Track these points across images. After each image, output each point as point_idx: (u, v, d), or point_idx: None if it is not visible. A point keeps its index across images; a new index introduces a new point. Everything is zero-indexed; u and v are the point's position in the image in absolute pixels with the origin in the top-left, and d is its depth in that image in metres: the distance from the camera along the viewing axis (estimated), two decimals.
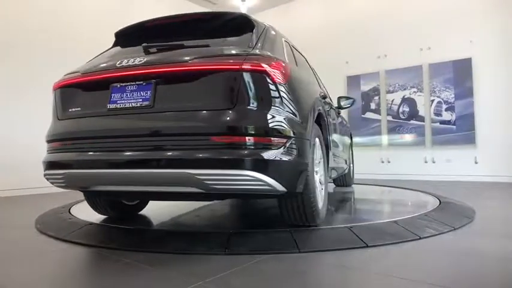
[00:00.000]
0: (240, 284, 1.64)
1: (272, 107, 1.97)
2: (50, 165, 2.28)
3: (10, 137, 5.14)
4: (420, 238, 2.27)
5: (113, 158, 2.04)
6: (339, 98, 4.13)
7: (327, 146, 2.74)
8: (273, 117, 1.96)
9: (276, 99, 1.99)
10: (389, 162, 7.07)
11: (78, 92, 2.30)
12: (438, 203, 3.32)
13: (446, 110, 6.55)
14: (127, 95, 2.11)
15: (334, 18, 8.00)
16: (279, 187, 1.95)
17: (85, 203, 3.69)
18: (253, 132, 1.89)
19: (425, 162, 6.74)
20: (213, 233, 2.33)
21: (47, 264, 2.05)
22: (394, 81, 7.10)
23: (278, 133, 1.94)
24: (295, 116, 2.09)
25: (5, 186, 4.96)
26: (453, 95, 6.47)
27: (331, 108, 3.39)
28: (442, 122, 6.57)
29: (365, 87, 7.43)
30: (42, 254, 2.27)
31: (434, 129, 6.63)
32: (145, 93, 2.06)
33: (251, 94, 1.95)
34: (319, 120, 2.57)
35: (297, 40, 8.13)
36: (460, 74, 6.41)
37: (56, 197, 3.17)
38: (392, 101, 7.10)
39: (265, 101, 1.97)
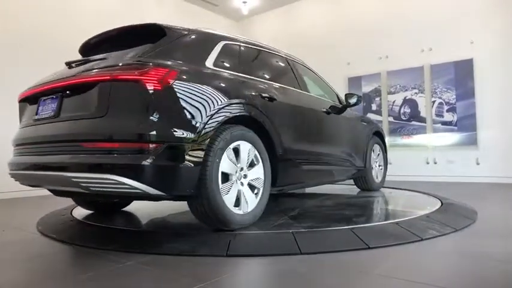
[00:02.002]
0: (241, 286, 1.64)
1: (142, 114, 2.04)
2: (9, 166, 2.68)
3: (11, 139, 5.15)
4: (422, 239, 2.27)
5: (32, 161, 2.42)
6: (347, 95, 4.04)
7: (272, 150, 2.69)
8: (142, 123, 2.03)
9: (148, 106, 2.05)
10: (390, 163, 7.05)
11: (26, 104, 2.71)
12: (440, 204, 3.32)
13: (447, 111, 6.54)
14: (46, 107, 2.44)
15: (335, 19, 8.00)
16: (151, 190, 2.02)
17: None
18: (118, 139, 2.01)
19: (427, 163, 6.73)
20: (215, 235, 2.33)
21: (48, 266, 2.05)
22: (396, 82, 7.09)
23: (145, 139, 2.00)
24: (177, 121, 2.11)
25: (6, 188, 4.97)
26: (454, 96, 6.46)
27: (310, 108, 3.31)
28: (444, 123, 6.56)
29: (366, 88, 7.43)
30: (43, 255, 2.28)
31: (436, 130, 6.62)
32: (54, 105, 2.37)
33: (121, 102, 2.07)
34: (253, 124, 2.59)
35: (298, 41, 8.20)
36: (461, 75, 6.40)
37: (57, 199, 3.18)
38: (394, 102, 7.10)
39: (135, 109, 2.06)
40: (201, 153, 2.17)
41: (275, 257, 2.01)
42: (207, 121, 2.22)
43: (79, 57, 2.82)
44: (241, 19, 9.30)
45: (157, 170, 2.02)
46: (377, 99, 7.32)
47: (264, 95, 2.76)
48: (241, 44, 3.00)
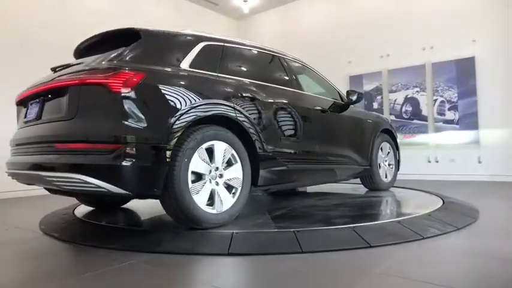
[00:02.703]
0: (243, 285, 1.64)
1: (107, 116, 2.14)
2: (6, 165, 2.80)
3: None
4: (423, 238, 2.26)
5: (20, 161, 2.55)
6: (348, 92, 3.96)
7: (253, 149, 2.70)
8: (106, 125, 2.13)
9: (113, 109, 2.13)
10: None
11: (21, 107, 2.83)
12: (441, 202, 3.31)
13: (449, 109, 6.53)
14: (31, 110, 2.60)
15: (336, 17, 7.98)
16: (115, 189, 2.09)
17: None
18: (84, 140, 2.13)
19: (429, 161, 6.72)
20: (216, 234, 2.34)
21: (51, 265, 2.06)
22: (397, 81, 7.08)
23: (109, 140, 2.10)
24: (141, 122, 2.16)
25: (9, 187, 4.98)
26: (456, 94, 6.44)
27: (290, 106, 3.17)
28: (446, 122, 6.55)
29: (367, 86, 7.42)
30: (45, 254, 2.28)
31: (438, 128, 6.60)
32: (37, 108, 2.52)
33: (88, 105, 2.19)
34: (231, 124, 2.60)
35: (299, 40, 8.19)
36: (463, 73, 6.38)
37: (60, 198, 3.19)
38: (395, 100, 7.09)
39: (101, 111, 2.16)
40: (167, 153, 2.19)
41: (276, 255, 2.02)
42: (174, 122, 2.25)
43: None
44: (241, 18, 9.29)
45: (120, 170, 2.07)
46: (378, 97, 7.31)
47: (243, 94, 2.76)
48: (226, 44, 2.97)
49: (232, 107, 2.60)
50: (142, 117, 2.16)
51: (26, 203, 4.67)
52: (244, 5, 8.48)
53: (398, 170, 4.79)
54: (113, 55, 2.39)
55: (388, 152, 4.59)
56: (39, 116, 2.49)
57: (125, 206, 3.64)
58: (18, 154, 2.67)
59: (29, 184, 2.80)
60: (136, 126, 2.14)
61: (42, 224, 2.99)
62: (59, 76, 2.43)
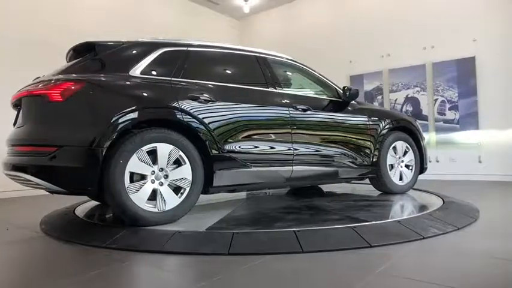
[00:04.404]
0: (243, 284, 1.65)
1: (47, 122, 2.47)
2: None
3: None
4: (424, 238, 2.27)
5: (4, 161, 2.74)
6: (344, 89, 3.74)
7: (203, 151, 2.76)
8: (43, 130, 2.46)
9: (51, 115, 2.45)
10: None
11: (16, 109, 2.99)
12: (442, 202, 3.31)
13: (449, 109, 6.53)
14: (16, 115, 2.91)
15: (337, 17, 7.98)
16: (51, 186, 2.41)
17: (89, 204, 3.73)
18: (29, 143, 2.48)
19: (429, 161, 6.71)
20: (217, 233, 2.34)
21: (52, 265, 2.06)
22: (398, 81, 7.08)
23: (45, 143, 2.40)
24: (76, 127, 2.43)
25: (9, 187, 4.99)
26: (457, 94, 6.44)
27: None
28: (446, 121, 6.54)
29: (368, 86, 7.42)
30: (46, 254, 2.29)
31: (438, 128, 6.60)
32: (18, 112, 2.83)
33: (34, 113, 2.54)
34: (180, 126, 2.68)
35: (300, 39, 8.19)
36: (463, 72, 6.38)
37: (60, 198, 3.19)
38: (396, 100, 7.09)
39: (43, 117, 2.49)
40: (99, 155, 2.37)
41: (277, 255, 2.02)
42: (108, 126, 2.42)
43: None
44: (242, 17, 9.29)
45: (54, 169, 2.38)
46: (379, 97, 7.31)
47: (197, 96, 2.79)
48: (189, 49, 3.03)
49: (178, 110, 2.67)
50: (78, 122, 2.45)
51: (26, 203, 4.67)
52: (244, 4, 8.47)
53: (422, 171, 4.33)
54: (66, 67, 2.70)
55: (406, 152, 4.14)
56: (15, 122, 2.89)
57: None
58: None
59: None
60: (72, 130, 2.42)
61: (42, 224, 2.99)
62: (26, 87, 2.72)
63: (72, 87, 2.44)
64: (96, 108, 2.50)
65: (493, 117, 6.12)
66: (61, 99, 2.41)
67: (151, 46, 2.89)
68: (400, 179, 4.08)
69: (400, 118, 4.25)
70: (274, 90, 3.32)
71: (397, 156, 4.06)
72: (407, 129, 4.22)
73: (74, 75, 2.55)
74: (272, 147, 3.18)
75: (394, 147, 4.03)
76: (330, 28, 7.98)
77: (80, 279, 1.74)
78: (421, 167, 4.30)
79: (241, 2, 8.42)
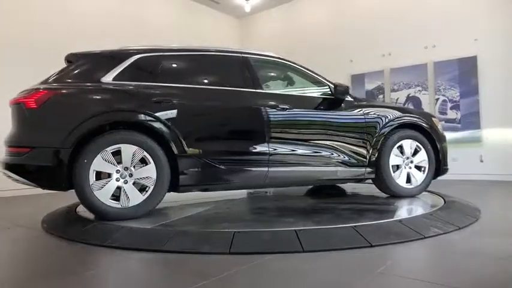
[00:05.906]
0: (244, 284, 1.65)
1: (24, 127, 2.79)
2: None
3: None
4: (425, 237, 2.27)
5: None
6: (335, 85, 3.59)
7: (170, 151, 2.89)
8: (22, 133, 2.78)
9: (27, 121, 2.76)
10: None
11: None
12: (443, 202, 3.31)
13: (451, 108, 6.51)
14: None
15: (338, 16, 7.96)
16: (29, 183, 2.75)
17: None
18: (9, 145, 2.81)
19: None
20: (217, 233, 2.34)
21: (53, 263, 2.07)
22: (399, 80, 7.06)
23: (22, 145, 2.74)
24: (46, 131, 2.72)
25: (11, 185, 4.99)
26: (458, 94, 6.43)
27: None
28: (447, 121, 6.53)
29: (369, 85, 7.41)
30: (48, 252, 2.30)
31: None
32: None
33: (15, 118, 2.83)
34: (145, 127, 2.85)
35: (301, 39, 8.18)
36: (465, 72, 6.36)
37: (62, 196, 3.21)
38: (397, 99, 7.07)
39: (21, 123, 2.80)
40: (66, 155, 2.65)
41: (278, 254, 2.02)
42: (73, 130, 2.68)
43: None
44: (243, 17, 9.28)
45: (29, 168, 2.73)
46: (380, 96, 7.30)
47: (159, 100, 2.91)
48: (163, 54, 3.19)
49: (141, 113, 2.86)
50: (48, 126, 2.74)
51: (28, 201, 4.68)
52: (245, 3, 8.46)
53: (440, 173, 3.94)
54: (50, 76, 2.96)
55: (417, 151, 3.77)
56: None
57: None
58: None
59: None
60: (42, 134, 2.72)
61: (44, 223, 3.00)
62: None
63: (45, 96, 2.75)
64: (65, 114, 2.77)
65: (494, 116, 6.11)
66: (35, 106, 2.72)
67: (125, 54, 3.09)
68: (408, 181, 3.70)
69: (410, 114, 3.86)
70: (250, 90, 3.26)
71: (404, 156, 3.70)
72: (417, 126, 3.81)
73: (54, 84, 2.86)
74: (243, 147, 3.15)
75: (400, 146, 3.68)
76: (331, 27, 7.97)
77: (81, 277, 1.74)
78: (438, 168, 3.91)
79: (242, 1, 8.41)
